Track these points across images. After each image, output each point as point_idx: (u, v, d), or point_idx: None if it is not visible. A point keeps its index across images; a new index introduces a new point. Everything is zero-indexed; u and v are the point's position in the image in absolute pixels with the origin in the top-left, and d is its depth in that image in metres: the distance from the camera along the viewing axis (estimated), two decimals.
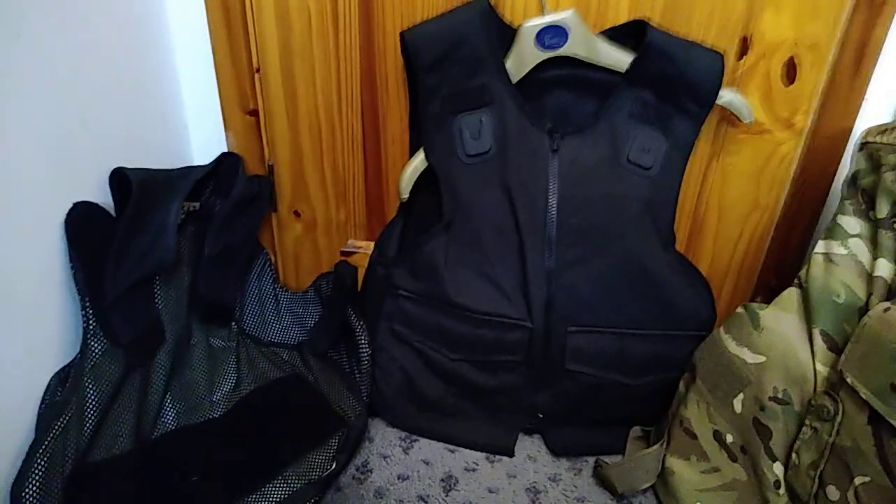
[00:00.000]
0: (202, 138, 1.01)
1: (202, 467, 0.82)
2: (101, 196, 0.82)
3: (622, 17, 0.83)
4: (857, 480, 0.65)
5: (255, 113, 0.97)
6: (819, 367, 0.71)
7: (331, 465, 0.83)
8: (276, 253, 1.10)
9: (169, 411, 0.87)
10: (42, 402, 0.75)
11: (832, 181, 0.89)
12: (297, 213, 1.05)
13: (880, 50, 0.81)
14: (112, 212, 0.83)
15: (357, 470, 0.88)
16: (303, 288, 1.06)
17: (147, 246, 0.80)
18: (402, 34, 0.79)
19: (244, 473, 0.81)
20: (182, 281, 0.91)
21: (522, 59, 0.80)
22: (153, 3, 0.90)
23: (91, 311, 0.77)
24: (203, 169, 0.90)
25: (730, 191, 0.92)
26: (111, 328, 0.78)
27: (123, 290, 0.78)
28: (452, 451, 0.92)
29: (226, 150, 1.01)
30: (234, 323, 0.99)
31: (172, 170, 0.90)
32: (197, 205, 0.93)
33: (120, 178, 0.83)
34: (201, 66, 0.95)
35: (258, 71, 0.94)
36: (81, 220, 0.78)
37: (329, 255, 1.09)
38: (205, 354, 0.94)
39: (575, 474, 0.89)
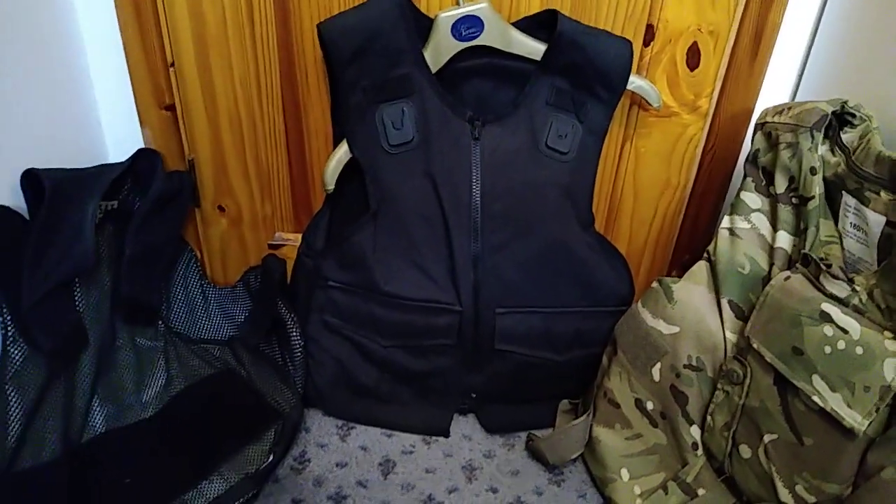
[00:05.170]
0: (117, 135, 0.98)
1: (135, 468, 0.81)
2: (14, 199, 0.79)
3: (534, 8, 0.85)
4: (766, 438, 0.70)
5: (171, 108, 0.95)
6: (728, 334, 0.75)
7: (268, 458, 0.83)
8: (202, 249, 1.08)
9: (97, 415, 0.86)
10: None
11: (736, 160, 0.94)
12: (221, 208, 1.04)
13: (776, 34, 0.86)
14: (25, 215, 0.80)
15: (295, 460, 0.88)
16: (231, 283, 1.05)
17: (64, 248, 0.78)
18: (318, 27, 0.78)
19: (179, 472, 0.81)
20: (103, 282, 0.88)
21: (440, 49, 0.81)
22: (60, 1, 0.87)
23: (9, 318, 0.74)
24: (119, 167, 0.88)
25: (643, 172, 0.96)
26: (31, 334, 0.76)
27: (42, 295, 0.76)
28: (389, 436, 0.93)
29: (142, 146, 0.98)
30: (160, 322, 0.97)
31: (87, 168, 0.87)
32: (115, 203, 0.90)
33: (32, 180, 0.80)
34: (113, 61, 0.92)
35: (172, 65, 0.91)
36: None
37: (256, 248, 1.07)
38: (131, 355, 0.92)
39: (508, 450, 0.92)
